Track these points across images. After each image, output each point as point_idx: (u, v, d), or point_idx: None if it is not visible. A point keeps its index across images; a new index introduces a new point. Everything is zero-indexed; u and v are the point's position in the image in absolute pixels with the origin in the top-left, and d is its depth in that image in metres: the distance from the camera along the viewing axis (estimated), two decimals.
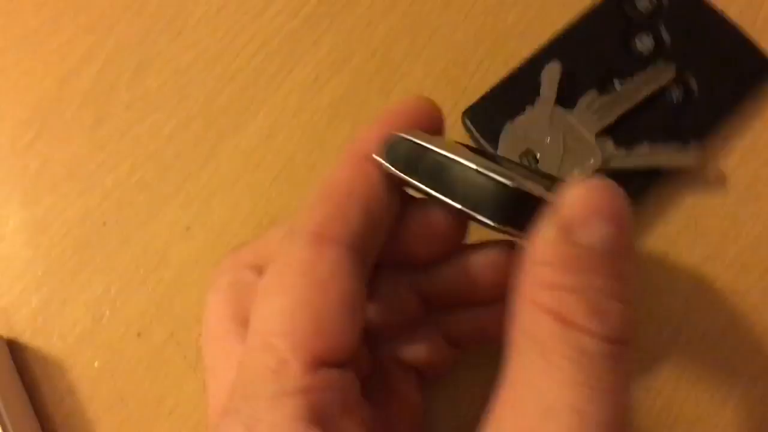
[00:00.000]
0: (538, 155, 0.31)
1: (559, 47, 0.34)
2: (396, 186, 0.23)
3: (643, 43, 0.33)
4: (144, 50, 0.38)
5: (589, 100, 0.32)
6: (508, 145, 0.32)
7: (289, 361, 0.19)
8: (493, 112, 0.33)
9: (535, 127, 0.32)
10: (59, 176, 0.35)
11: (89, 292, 0.34)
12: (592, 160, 0.31)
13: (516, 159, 0.31)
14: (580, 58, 0.33)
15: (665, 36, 0.33)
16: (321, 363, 0.19)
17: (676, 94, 0.32)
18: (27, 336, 0.33)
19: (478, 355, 0.28)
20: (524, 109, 0.32)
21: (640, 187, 0.32)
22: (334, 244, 0.20)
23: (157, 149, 0.36)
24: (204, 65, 0.37)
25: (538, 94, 0.32)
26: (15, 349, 0.33)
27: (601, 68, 0.33)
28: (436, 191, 0.21)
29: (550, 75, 0.32)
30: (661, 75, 0.32)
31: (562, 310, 0.16)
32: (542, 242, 0.18)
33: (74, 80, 0.37)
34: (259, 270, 0.23)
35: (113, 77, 0.37)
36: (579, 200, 0.18)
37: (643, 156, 0.31)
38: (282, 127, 0.36)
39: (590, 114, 0.32)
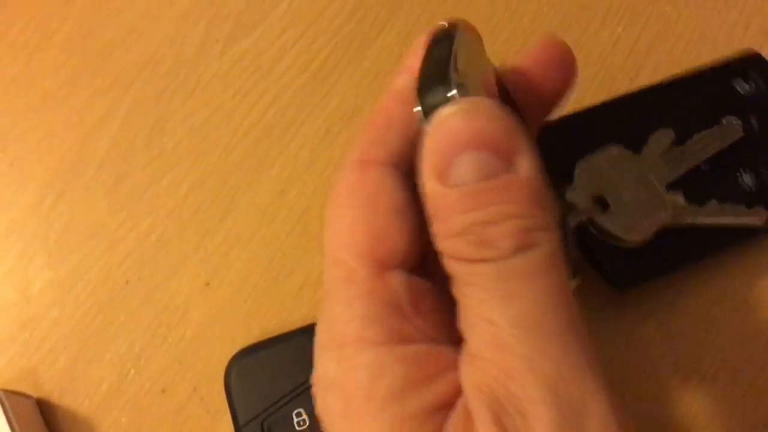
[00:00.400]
0: (610, 202, 0.31)
1: (651, 97, 0.34)
2: None
3: (729, 122, 0.33)
4: (160, 109, 0.39)
5: (661, 148, 0.32)
6: (582, 183, 0.31)
7: (355, 269, 0.21)
8: (567, 139, 0.32)
9: (611, 173, 0.31)
10: (82, 236, 0.37)
11: (114, 350, 0.35)
12: (662, 213, 0.31)
13: (588, 199, 0.31)
14: (667, 114, 0.33)
15: (753, 123, 0.33)
16: (384, 267, 0.21)
17: (747, 177, 0.32)
18: (56, 395, 0.34)
19: None
20: (599, 147, 0.32)
21: (710, 244, 0.32)
22: (375, 165, 0.22)
23: (175, 206, 0.37)
24: (218, 122, 0.38)
25: (615, 135, 0.32)
26: (45, 408, 0.34)
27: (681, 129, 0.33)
28: None
29: (662, 140, 0.32)
30: (730, 132, 0.32)
31: (455, 253, 0.18)
32: (428, 197, 0.19)
33: (93, 141, 0.38)
34: None
35: (131, 137, 0.38)
36: (443, 139, 0.19)
37: (714, 213, 0.31)
38: (296, 180, 0.37)
39: (662, 164, 0.32)
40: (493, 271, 0.18)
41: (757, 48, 0.35)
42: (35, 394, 0.34)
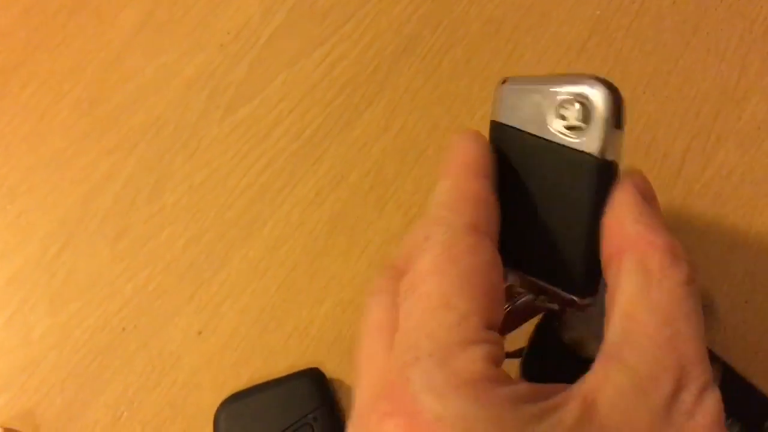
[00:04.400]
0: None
1: None
2: None
3: None
4: (162, 169, 0.42)
5: None
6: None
7: (470, 318, 0.22)
8: None
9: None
10: (83, 285, 0.39)
11: (109, 394, 0.37)
12: None
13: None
14: None
15: None
16: (490, 326, 0.22)
17: None
18: None
19: None
20: None
21: None
22: (489, 237, 0.24)
23: (172, 259, 0.39)
24: (216, 182, 0.41)
25: None
26: None
27: None
28: None
29: None
30: None
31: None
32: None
33: (98, 196, 0.41)
34: None
35: (133, 193, 0.41)
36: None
37: None
38: (286, 238, 0.40)
39: None
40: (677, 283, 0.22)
41: (706, 130, 0.40)
42: None
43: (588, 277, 0.25)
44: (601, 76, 0.24)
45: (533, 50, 0.43)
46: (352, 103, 0.43)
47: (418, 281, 0.23)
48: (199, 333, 0.38)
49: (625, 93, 0.42)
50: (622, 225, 0.24)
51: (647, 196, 0.25)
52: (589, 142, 0.23)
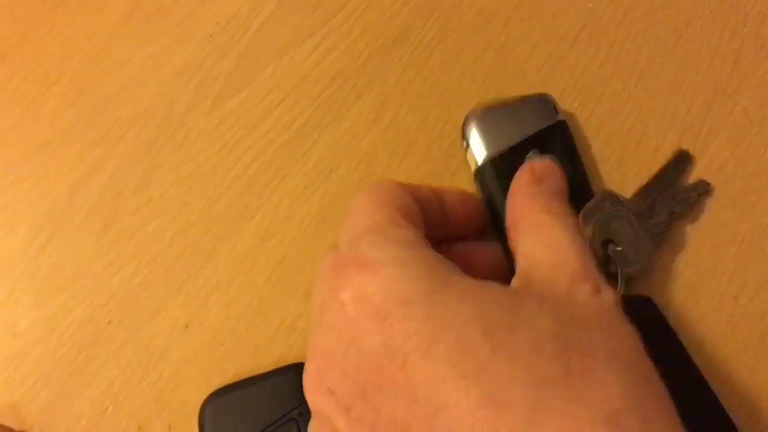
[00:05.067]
0: (619, 248, 0.36)
1: None
2: None
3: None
4: (148, 161, 0.41)
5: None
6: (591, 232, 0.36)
7: (398, 217, 0.29)
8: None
9: (611, 220, 0.36)
10: (69, 278, 0.39)
11: (94, 387, 0.36)
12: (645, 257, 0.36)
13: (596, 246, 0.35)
14: None
15: None
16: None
17: None
18: (36, 429, 0.35)
19: None
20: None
21: None
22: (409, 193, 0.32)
23: (159, 252, 0.39)
24: (203, 175, 0.41)
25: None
26: None
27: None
28: None
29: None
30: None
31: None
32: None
33: (84, 188, 0.41)
34: None
35: (120, 186, 0.41)
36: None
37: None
38: (275, 231, 0.40)
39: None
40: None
41: (698, 124, 0.40)
42: (17, 428, 0.35)
43: None
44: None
45: (525, 43, 0.43)
46: (341, 95, 0.43)
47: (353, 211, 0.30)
48: (186, 326, 0.38)
49: (617, 86, 0.41)
50: (514, 198, 0.33)
51: (542, 175, 0.33)
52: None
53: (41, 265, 0.39)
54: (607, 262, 0.35)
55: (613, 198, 0.36)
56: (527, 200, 0.32)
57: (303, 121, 0.42)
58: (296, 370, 0.35)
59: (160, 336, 0.37)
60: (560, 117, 0.39)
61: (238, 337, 0.37)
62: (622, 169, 0.40)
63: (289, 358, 0.36)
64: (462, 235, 0.35)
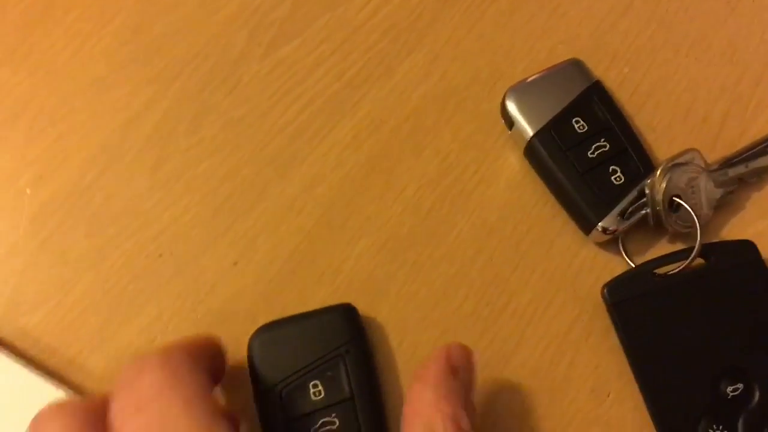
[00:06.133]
0: (686, 205, 0.36)
1: None
2: None
3: None
4: (201, 102, 0.42)
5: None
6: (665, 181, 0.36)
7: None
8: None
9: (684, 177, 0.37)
10: (120, 211, 0.39)
11: (143, 317, 0.37)
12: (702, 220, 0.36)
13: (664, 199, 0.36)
14: None
15: None
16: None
17: None
18: (86, 353, 0.36)
19: None
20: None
21: None
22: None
23: (210, 191, 0.40)
24: (254, 119, 0.42)
25: None
26: (74, 368, 0.36)
27: None
28: None
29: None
30: None
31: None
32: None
33: (137, 125, 0.41)
34: None
35: (173, 124, 0.41)
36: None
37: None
38: (323, 178, 0.40)
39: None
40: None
41: (746, 96, 0.40)
42: (66, 351, 0.36)
43: None
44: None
45: (578, 7, 0.43)
46: (393, 48, 0.43)
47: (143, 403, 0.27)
48: (235, 264, 0.38)
49: (667, 55, 0.42)
50: (422, 387, 0.29)
51: (457, 367, 0.30)
52: None
53: (93, 196, 0.40)
54: (669, 216, 0.36)
55: (696, 157, 0.37)
56: (433, 396, 0.29)
57: (354, 73, 0.43)
58: (343, 309, 0.36)
59: (209, 271, 0.38)
60: (595, 78, 0.40)
61: (285, 277, 0.38)
62: (670, 136, 0.40)
63: (334, 300, 0.37)
64: None
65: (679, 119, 0.41)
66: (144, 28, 0.43)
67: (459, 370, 0.30)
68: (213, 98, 0.42)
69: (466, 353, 0.31)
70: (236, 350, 0.36)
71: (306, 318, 0.36)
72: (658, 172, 0.36)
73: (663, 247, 0.38)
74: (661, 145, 0.40)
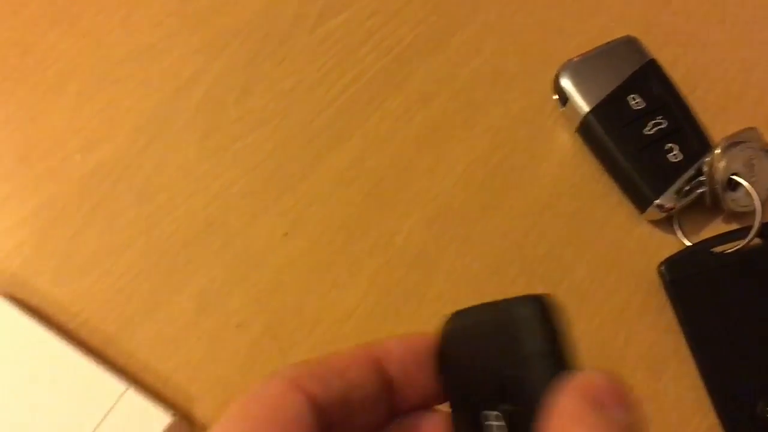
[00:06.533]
0: (744, 183, 0.36)
1: None
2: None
3: None
4: (250, 72, 0.42)
5: None
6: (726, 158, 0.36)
7: None
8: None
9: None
10: (170, 179, 0.39)
11: (194, 285, 0.37)
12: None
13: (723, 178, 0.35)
14: None
15: None
16: None
17: None
18: (137, 320, 0.36)
19: None
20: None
21: None
22: (305, 395, 0.21)
23: (260, 161, 0.40)
24: (303, 91, 0.41)
25: None
26: (126, 334, 0.36)
27: None
28: None
29: None
30: None
31: None
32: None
33: (186, 94, 0.41)
34: None
35: (222, 94, 0.41)
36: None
37: None
38: (373, 151, 0.40)
39: None
40: None
41: None
42: (117, 315, 0.36)
43: None
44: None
45: None
46: (444, 23, 0.43)
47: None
48: (285, 234, 0.38)
49: (720, 36, 0.41)
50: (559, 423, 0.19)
51: (599, 400, 0.20)
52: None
53: (143, 164, 0.39)
54: (727, 195, 0.36)
55: (755, 135, 0.37)
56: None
57: (403, 47, 0.42)
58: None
59: (260, 241, 0.38)
60: (650, 56, 0.39)
61: (336, 249, 0.38)
62: (724, 117, 0.40)
63: (387, 272, 0.37)
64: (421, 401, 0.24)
65: (732, 100, 0.40)
66: None
67: (607, 401, 0.21)
68: (262, 69, 0.42)
69: (606, 378, 0.21)
70: (285, 321, 0.36)
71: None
72: (718, 150, 0.36)
73: (717, 227, 0.38)
74: (716, 124, 0.40)
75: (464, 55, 0.42)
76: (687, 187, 0.36)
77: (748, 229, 0.35)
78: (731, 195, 0.36)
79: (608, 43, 0.40)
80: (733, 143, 0.36)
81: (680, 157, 0.37)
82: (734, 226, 0.37)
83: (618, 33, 0.41)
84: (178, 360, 0.36)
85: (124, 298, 0.37)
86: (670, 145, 0.37)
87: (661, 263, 0.35)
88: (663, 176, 0.36)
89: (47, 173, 0.39)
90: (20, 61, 0.42)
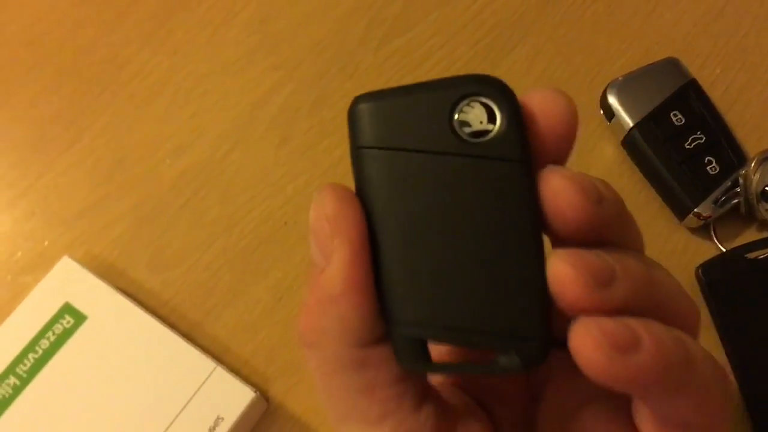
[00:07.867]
0: None
1: None
2: None
3: None
4: (322, 87, 0.46)
5: None
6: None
7: None
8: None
9: None
10: (249, 182, 0.43)
11: (270, 278, 0.41)
12: None
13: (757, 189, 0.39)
14: None
15: None
16: None
17: None
18: (219, 308, 0.40)
19: None
20: None
21: None
22: None
23: (330, 167, 0.44)
24: None
25: None
26: (210, 319, 0.40)
27: None
28: None
29: None
30: None
31: None
32: None
33: (264, 106, 0.45)
34: None
35: (296, 106, 0.45)
36: None
37: None
38: None
39: None
40: None
41: None
42: (201, 304, 0.40)
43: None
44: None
45: (673, 11, 0.46)
46: (498, 44, 0.47)
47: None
48: None
49: (756, 58, 0.45)
50: None
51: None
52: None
53: (226, 168, 0.44)
54: (761, 205, 0.39)
55: None
56: None
57: (461, 65, 0.46)
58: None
59: None
60: (691, 76, 0.42)
61: None
62: (758, 134, 0.43)
63: None
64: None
65: (767, 118, 0.43)
66: (270, 20, 0.48)
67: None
68: (332, 84, 0.46)
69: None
70: None
71: None
72: (753, 164, 0.39)
73: (751, 234, 0.41)
74: (751, 140, 0.43)
75: (516, 73, 0.46)
76: (723, 197, 0.39)
77: None
78: (765, 205, 0.39)
79: (652, 63, 0.43)
80: (766, 157, 0.39)
81: (717, 169, 0.40)
82: (767, 234, 0.40)
83: (661, 55, 0.44)
84: (255, 344, 0.40)
85: (208, 288, 0.41)
86: (708, 158, 0.40)
87: (698, 267, 0.39)
88: (701, 187, 0.40)
89: (141, 176, 0.44)
90: (117, 75, 0.46)
